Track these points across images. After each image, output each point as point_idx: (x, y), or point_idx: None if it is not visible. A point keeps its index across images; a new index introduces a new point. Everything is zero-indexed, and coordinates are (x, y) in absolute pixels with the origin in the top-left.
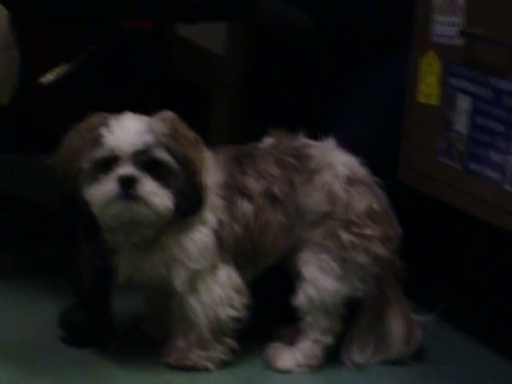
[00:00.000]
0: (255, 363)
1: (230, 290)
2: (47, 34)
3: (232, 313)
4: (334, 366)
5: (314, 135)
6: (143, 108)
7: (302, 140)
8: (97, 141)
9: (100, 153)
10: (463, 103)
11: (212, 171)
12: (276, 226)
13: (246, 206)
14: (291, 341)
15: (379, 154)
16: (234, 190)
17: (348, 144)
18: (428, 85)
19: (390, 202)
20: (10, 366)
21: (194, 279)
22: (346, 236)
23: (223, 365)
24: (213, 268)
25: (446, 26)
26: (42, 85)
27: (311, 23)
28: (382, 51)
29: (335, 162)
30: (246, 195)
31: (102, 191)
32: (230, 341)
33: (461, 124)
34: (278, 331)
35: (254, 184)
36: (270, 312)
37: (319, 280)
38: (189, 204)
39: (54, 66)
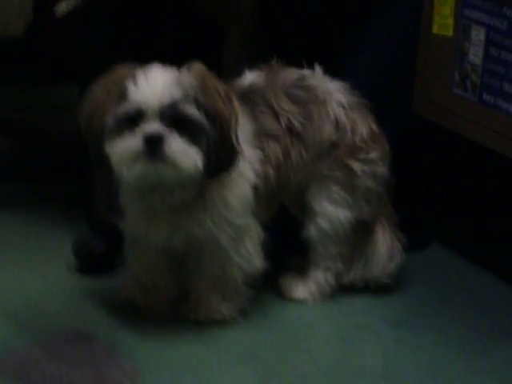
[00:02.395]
0: (270, 295)
1: (259, 242)
2: None
3: (261, 264)
4: (345, 293)
5: (327, 66)
6: (156, 42)
7: (295, 71)
8: (122, 95)
9: (125, 108)
10: (478, 34)
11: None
12: (299, 162)
13: (275, 148)
14: (302, 271)
15: (391, 85)
16: (261, 135)
17: (359, 73)
18: (443, 16)
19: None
20: (25, 294)
21: (235, 234)
22: (354, 164)
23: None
24: (248, 222)
25: None
26: (55, 15)
27: None
28: None
29: (332, 90)
30: (272, 137)
31: (125, 148)
32: (250, 289)
33: (475, 55)
34: (289, 263)
35: (275, 123)
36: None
37: (330, 211)
38: (220, 162)
39: None
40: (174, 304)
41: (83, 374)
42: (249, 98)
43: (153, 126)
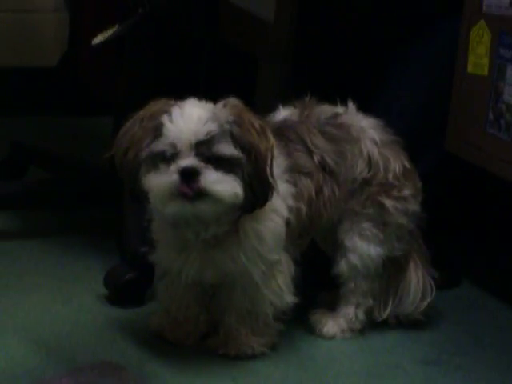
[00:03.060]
0: (300, 331)
1: (290, 277)
2: None
3: (292, 300)
4: (375, 330)
5: (360, 106)
6: (192, 74)
7: (329, 108)
8: (158, 130)
9: (160, 143)
10: (510, 68)
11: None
12: (331, 199)
13: (307, 185)
14: (332, 307)
15: (424, 122)
16: (295, 170)
17: (392, 114)
18: (478, 55)
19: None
20: (55, 324)
21: (268, 269)
22: (386, 201)
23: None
24: (280, 257)
25: None
26: (91, 47)
27: None
28: (432, 22)
29: (366, 127)
30: (305, 173)
31: (162, 181)
32: (280, 324)
33: (510, 95)
34: (319, 299)
35: (309, 160)
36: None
37: (361, 247)
38: (256, 196)
39: (104, 28)
40: (203, 337)
41: None
42: (282, 133)
43: (188, 161)
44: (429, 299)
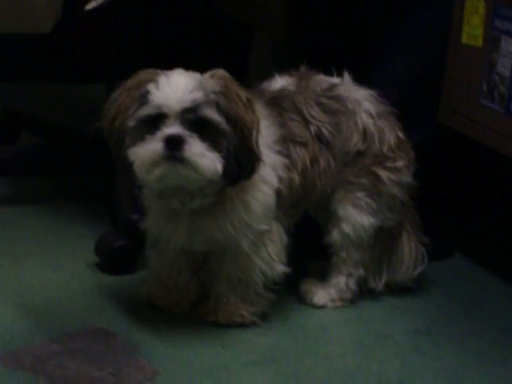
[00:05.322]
0: (290, 300)
1: (281, 247)
2: None
3: (283, 269)
4: (365, 301)
5: (355, 77)
6: (185, 43)
7: (325, 79)
8: (144, 98)
9: (147, 110)
10: (507, 45)
11: (264, 124)
12: (326, 169)
13: (302, 155)
14: (323, 277)
15: (418, 94)
16: (288, 140)
17: (386, 84)
18: (473, 26)
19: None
20: (46, 290)
21: (256, 238)
22: (380, 172)
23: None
24: (270, 227)
25: None
26: (84, 12)
27: None
28: None
29: (361, 99)
30: (300, 143)
31: (146, 151)
32: (271, 293)
33: (504, 66)
34: (310, 268)
35: (304, 130)
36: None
37: (355, 217)
38: (240, 168)
39: None
40: (194, 305)
41: (102, 371)
42: (278, 103)
43: (174, 129)
44: (421, 268)
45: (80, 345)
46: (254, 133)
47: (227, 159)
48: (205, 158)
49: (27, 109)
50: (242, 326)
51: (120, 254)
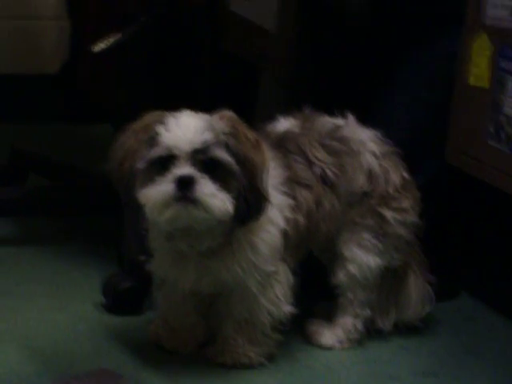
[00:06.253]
0: (297, 341)
1: (288, 287)
2: (98, 3)
3: (290, 309)
4: (372, 341)
5: (359, 117)
6: (193, 83)
7: (329, 120)
8: (153, 139)
9: (156, 152)
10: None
11: (271, 166)
12: (330, 211)
13: (306, 197)
14: (330, 318)
15: (423, 134)
16: (293, 182)
17: (391, 125)
18: (479, 67)
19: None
20: (52, 331)
21: (263, 279)
22: (386, 212)
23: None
24: (277, 268)
25: (499, 8)
26: (92, 54)
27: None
28: (431, 33)
29: (365, 140)
30: (305, 185)
31: (157, 192)
32: (278, 334)
33: (510, 107)
34: (317, 309)
35: (309, 172)
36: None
37: (360, 258)
38: (249, 208)
39: (105, 36)
40: (201, 346)
41: None
42: (283, 145)
43: (184, 169)
44: (428, 308)
45: None
46: (263, 173)
47: (237, 199)
48: (216, 198)
49: (35, 149)
50: (249, 367)
51: (127, 296)
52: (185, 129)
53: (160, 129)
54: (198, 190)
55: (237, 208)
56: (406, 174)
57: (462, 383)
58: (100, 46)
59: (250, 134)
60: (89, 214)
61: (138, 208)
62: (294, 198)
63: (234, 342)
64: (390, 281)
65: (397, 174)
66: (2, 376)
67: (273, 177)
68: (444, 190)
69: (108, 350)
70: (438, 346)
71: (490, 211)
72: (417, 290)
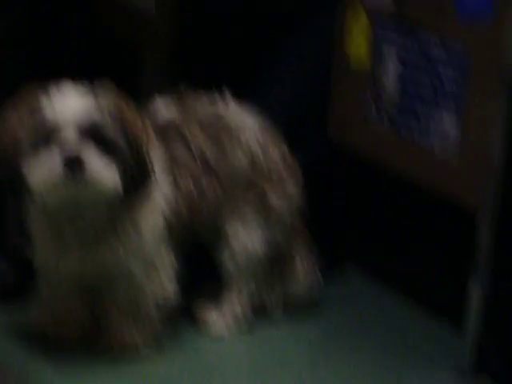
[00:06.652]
0: (185, 326)
1: (172, 271)
2: None
3: (174, 291)
4: (261, 321)
5: (238, 94)
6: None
7: (207, 102)
8: (35, 115)
9: (40, 126)
10: (391, 62)
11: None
12: (212, 193)
13: (187, 180)
14: (217, 298)
15: (303, 112)
16: (174, 166)
17: (273, 104)
18: (356, 45)
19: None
20: None
21: (148, 263)
22: (267, 188)
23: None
24: (161, 251)
25: None
26: None
27: None
28: (306, 12)
29: (244, 120)
30: (185, 169)
31: (44, 171)
32: (164, 317)
33: (389, 85)
34: (204, 291)
35: (189, 157)
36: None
37: (244, 234)
38: (135, 182)
39: None
40: (86, 332)
41: None
42: (163, 131)
43: (70, 144)
44: (315, 287)
45: None
46: (147, 146)
47: (123, 173)
48: (104, 173)
49: None
50: (136, 352)
51: (9, 285)
52: (68, 101)
53: (42, 102)
54: (86, 167)
55: (124, 181)
56: (287, 154)
57: (349, 353)
58: None
59: (132, 107)
60: None
61: (20, 189)
62: (175, 181)
63: (119, 326)
64: (275, 257)
65: (276, 152)
66: None
67: (155, 160)
68: (326, 168)
69: None
70: (325, 320)
71: (372, 186)
72: (302, 266)
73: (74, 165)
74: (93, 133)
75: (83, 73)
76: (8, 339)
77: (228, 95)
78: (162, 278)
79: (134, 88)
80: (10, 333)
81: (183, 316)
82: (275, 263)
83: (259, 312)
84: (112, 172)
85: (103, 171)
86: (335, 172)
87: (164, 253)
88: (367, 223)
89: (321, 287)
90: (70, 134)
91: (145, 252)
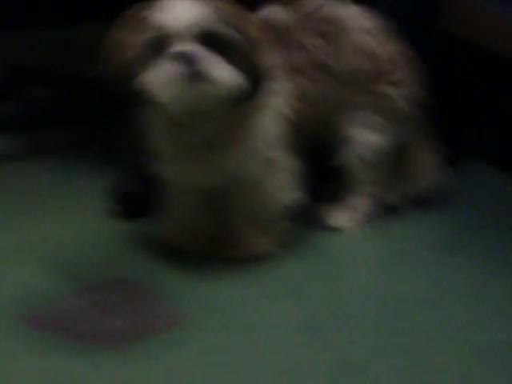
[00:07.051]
0: (309, 226)
1: (292, 174)
2: None
3: (297, 195)
4: (383, 218)
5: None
6: None
7: (326, 4)
8: (146, 22)
9: (152, 33)
10: None
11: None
12: (329, 94)
13: (304, 82)
14: (340, 199)
15: (416, 7)
16: (290, 68)
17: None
18: None
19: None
20: (65, 244)
21: (267, 166)
22: (384, 87)
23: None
24: (280, 154)
25: None
26: None
27: None
28: None
29: (355, 16)
30: (301, 71)
31: (161, 72)
32: (288, 221)
33: None
34: (326, 191)
35: (303, 58)
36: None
37: (363, 136)
38: (253, 83)
39: None
40: (213, 244)
41: (126, 320)
42: (279, 37)
43: (185, 47)
44: (439, 178)
45: (103, 296)
46: (262, 47)
47: (241, 75)
48: (221, 70)
49: (33, 60)
50: (262, 256)
51: (133, 199)
52: (180, 8)
53: (152, 12)
54: (203, 63)
55: (241, 84)
56: (401, 48)
57: (478, 252)
58: None
59: (244, 11)
60: (89, 123)
61: (136, 102)
62: (294, 83)
63: (244, 234)
64: (397, 155)
65: (392, 48)
66: (20, 291)
67: (273, 64)
68: (441, 57)
69: (121, 258)
70: (452, 215)
71: (491, 76)
72: (425, 161)
73: (189, 63)
74: (208, 36)
75: None
76: (135, 254)
77: None
78: (282, 181)
79: None
80: (136, 247)
81: (307, 218)
82: (399, 160)
83: (383, 210)
84: (229, 72)
85: (219, 67)
86: (453, 63)
87: (285, 156)
88: (491, 115)
89: (445, 182)
90: (185, 39)
91: (266, 156)
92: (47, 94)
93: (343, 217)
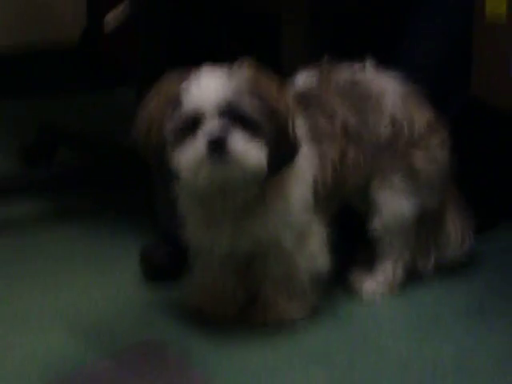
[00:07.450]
0: (338, 292)
1: (322, 240)
2: None
3: (326, 262)
4: (414, 285)
5: (381, 60)
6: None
7: (346, 68)
8: (177, 101)
9: (182, 113)
10: None
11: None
12: (356, 160)
13: (331, 149)
14: (370, 265)
15: (448, 74)
16: (317, 135)
17: (416, 67)
18: (495, 4)
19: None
20: (94, 307)
21: (298, 234)
22: (414, 153)
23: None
24: (310, 221)
25: None
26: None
27: None
28: None
29: (386, 84)
30: (328, 138)
31: (191, 153)
32: (317, 288)
33: None
34: (356, 258)
35: (330, 124)
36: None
37: (394, 202)
38: (280, 157)
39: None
40: (242, 309)
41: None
42: (303, 99)
43: (213, 128)
44: (468, 245)
45: (132, 358)
46: (290, 120)
47: (268, 148)
48: (248, 152)
49: (62, 123)
50: (292, 324)
51: (164, 264)
52: (207, 86)
53: (183, 89)
54: (230, 148)
55: (269, 156)
56: (430, 113)
57: (508, 318)
58: (110, 16)
59: (272, 81)
60: (121, 188)
61: (168, 174)
62: (319, 150)
63: (273, 301)
64: (427, 222)
65: (421, 114)
66: (46, 355)
67: (298, 130)
68: (471, 125)
69: (150, 321)
70: (480, 282)
71: None
72: (455, 228)
73: (217, 147)
74: (234, 114)
75: (224, 54)
76: (164, 318)
77: (370, 62)
78: (313, 248)
79: (277, 62)
80: (165, 311)
81: (336, 284)
82: (427, 227)
83: (412, 276)
84: (256, 150)
85: (247, 150)
86: (482, 129)
87: (313, 222)
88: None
89: (474, 248)
90: (211, 118)
91: (294, 223)
92: (78, 158)
93: (373, 283)
